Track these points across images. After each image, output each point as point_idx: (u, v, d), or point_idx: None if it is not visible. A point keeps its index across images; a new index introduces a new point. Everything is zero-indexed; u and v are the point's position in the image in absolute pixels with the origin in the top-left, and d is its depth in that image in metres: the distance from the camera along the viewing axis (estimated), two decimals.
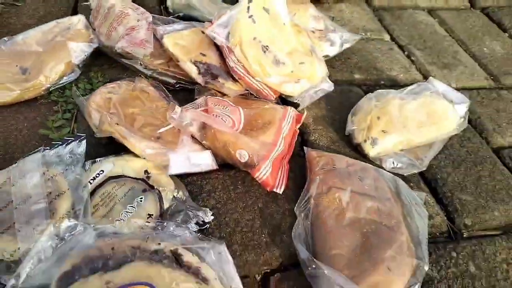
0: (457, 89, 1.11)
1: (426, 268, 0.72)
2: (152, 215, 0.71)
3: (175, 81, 1.02)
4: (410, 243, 0.75)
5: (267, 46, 0.98)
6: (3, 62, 0.93)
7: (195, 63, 0.97)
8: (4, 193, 0.68)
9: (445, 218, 0.89)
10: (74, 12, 1.26)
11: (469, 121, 1.16)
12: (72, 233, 0.63)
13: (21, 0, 1.28)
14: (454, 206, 0.91)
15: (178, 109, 0.83)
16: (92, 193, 0.73)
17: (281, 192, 0.82)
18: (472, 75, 1.37)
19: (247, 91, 0.99)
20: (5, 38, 1.00)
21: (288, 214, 0.81)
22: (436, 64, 1.38)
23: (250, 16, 0.99)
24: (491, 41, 1.59)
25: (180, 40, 1.00)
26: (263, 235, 0.77)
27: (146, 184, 0.75)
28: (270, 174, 0.80)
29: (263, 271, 0.74)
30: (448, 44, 1.51)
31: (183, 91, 1.03)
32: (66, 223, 0.62)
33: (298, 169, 0.90)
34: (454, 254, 0.82)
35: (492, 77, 1.39)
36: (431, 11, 1.72)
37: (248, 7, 1.00)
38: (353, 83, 1.22)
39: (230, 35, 0.96)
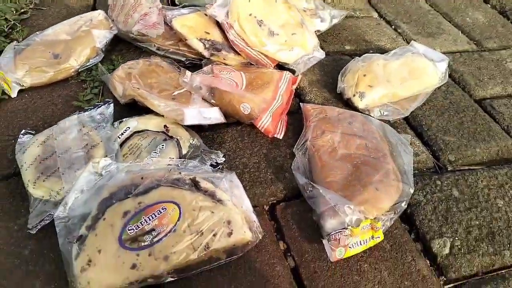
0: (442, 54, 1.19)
1: (411, 190, 0.80)
2: (173, 159, 0.81)
3: (184, 58, 1.13)
4: (397, 171, 0.83)
5: (262, 20, 1.08)
6: (38, 50, 1.05)
7: (200, 40, 1.08)
8: (48, 146, 0.79)
9: (430, 155, 0.97)
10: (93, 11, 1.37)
11: (453, 79, 1.24)
12: (108, 170, 0.73)
13: (46, 5, 1.41)
14: (438, 146, 0.99)
15: (188, 73, 0.93)
16: (121, 145, 0.83)
17: (281, 138, 0.91)
18: (455, 41, 1.45)
19: (248, 62, 1.09)
20: (37, 32, 1.12)
21: (289, 157, 0.90)
22: (421, 33, 1.47)
23: None
24: (473, 12, 1.66)
25: (186, 22, 1.10)
26: (268, 174, 0.86)
27: (166, 135, 0.85)
28: (270, 123, 0.90)
29: (270, 202, 0.83)
30: (432, 17, 1.59)
31: (192, 67, 1.13)
32: (103, 162, 0.73)
33: (296, 123, 0.99)
34: (439, 183, 0.90)
35: (475, 42, 1.46)
36: None
37: None
38: (344, 53, 1.31)
39: (229, 13, 1.06)
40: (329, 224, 0.73)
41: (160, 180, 0.70)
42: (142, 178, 0.71)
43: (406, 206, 0.78)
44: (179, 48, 1.14)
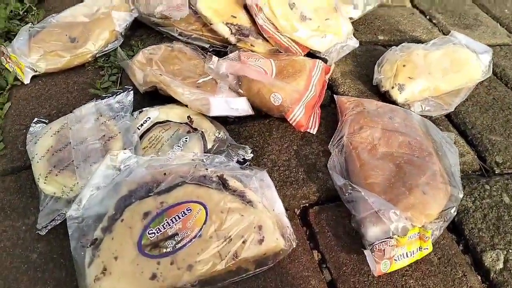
0: None
1: (461, 195, 0.70)
2: (198, 153, 0.72)
3: (209, 45, 1.03)
4: (443, 173, 0.73)
5: (294, 3, 0.98)
6: (53, 32, 0.96)
7: (227, 24, 0.98)
8: (62, 136, 0.71)
9: (476, 156, 0.87)
10: None
11: (494, 73, 1.13)
12: (127, 164, 0.64)
13: None
14: (484, 146, 0.89)
15: (215, 58, 0.84)
16: (141, 137, 0.75)
17: (314, 133, 0.82)
18: (494, 33, 1.33)
19: (277, 49, 0.99)
20: (53, 14, 1.04)
21: (322, 155, 0.81)
22: (458, 25, 1.35)
23: None
24: None
25: (212, 4, 1.00)
26: (299, 173, 0.77)
27: (189, 127, 0.76)
28: (303, 116, 0.80)
29: (302, 205, 0.74)
30: (469, 8, 1.47)
31: (217, 55, 1.03)
32: (122, 155, 0.64)
33: (329, 117, 0.90)
34: (487, 187, 0.80)
35: None
36: None
37: None
38: (377, 43, 1.20)
39: None
40: (372, 232, 0.63)
41: (184, 177, 0.61)
42: (164, 174, 0.62)
43: (455, 212, 0.69)
44: (203, 34, 1.04)
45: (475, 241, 0.71)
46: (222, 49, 1.03)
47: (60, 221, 0.64)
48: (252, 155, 0.75)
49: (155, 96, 0.85)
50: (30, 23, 1.02)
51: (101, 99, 0.79)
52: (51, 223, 0.64)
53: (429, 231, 0.63)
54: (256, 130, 0.84)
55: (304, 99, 0.81)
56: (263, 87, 0.81)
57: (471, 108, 0.98)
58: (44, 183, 0.66)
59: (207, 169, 0.63)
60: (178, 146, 0.72)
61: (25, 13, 1.16)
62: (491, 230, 0.72)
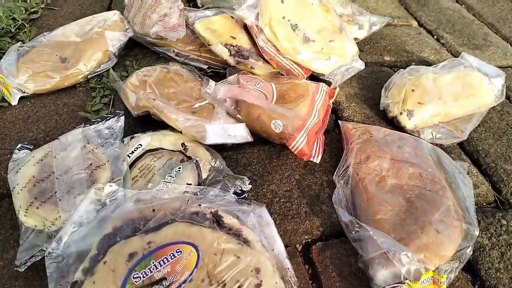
0: None
1: (477, 232, 0.66)
2: (191, 184, 0.68)
3: (207, 66, 1.01)
4: (457, 208, 0.69)
5: (296, 24, 0.95)
6: (44, 52, 0.94)
7: (226, 45, 0.95)
8: (46, 165, 0.67)
9: (491, 188, 0.83)
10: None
11: (507, 97, 1.09)
12: (114, 197, 0.60)
13: (58, 5, 1.31)
14: (499, 176, 0.85)
15: (212, 83, 0.81)
16: (131, 166, 0.71)
17: (318, 162, 0.77)
18: (505, 54, 1.30)
19: (278, 72, 0.96)
20: (45, 33, 1.01)
21: (327, 185, 0.76)
22: (466, 45, 1.32)
23: None
24: None
25: (210, 25, 0.98)
26: (302, 205, 0.73)
27: (183, 155, 0.72)
28: (306, 143, 0.76)
29: (304, 241, 0.70)
30: (478, 27, 1.44)
31: (215, 76, 1.00)
32: (108, 188, 0.60)
33: (334, 143, 0.86)
34: (504, 222, 0.75)
35: None
36: None
37: None
38: (383, 64, 1.17)
39: (259, 15, 0.94)
40: (381, 275, 0.59)
41: (175, 214, 0.57)
42: (153, 210, 0.58)
43: (471, 252, 0.64)
44: (200, 55, 1.01)
45: (492, 282, 0.66)
46: (220, 70, 1.01)
47: (40, 257, 0.60)
48: (250, 186, 0.71)
49: (148, 121, 0.81)
50: (20, 42, 1.00)
51: (89, 125, 0.75)
52: (31, 259, 0.59)
53: (444, 276, 0.59)
54: (255, 157, 0.80)
55: (307, 126, 0.77)
56: (263, 113, 0.78)
57: (484, 134, 0.94)
58: (25, 215, 0.61)
59: (200, 204, 0.59)
60: (170, 176, 0.68)
61: (17, 30, 1.14)
62: (509, 271, 0.67)
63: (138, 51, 1.07)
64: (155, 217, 0.57)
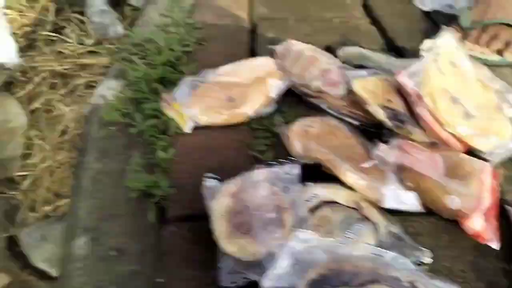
0: None
1: None
2: (375, 247, 0.70)
3: (358, 123, 1.05)
4: None
5: (457, 98, 0.98)
6: (213, 89, 1.03)
7: (382, 107, 1.00)
8: (240, 200, 0.73)
9: None
10: (252, 54, 1.35)
11: None
12: (308, 244, 0.64)
13: (207, 41, 1.43)
14: None
15: (384, 146, 0.85)
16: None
17: (495, 247, 0.77)
18: None
19: (434, 142, 0.99)
20: (209, 70, 1.11)
21: (503, 274, 0.75)
22: None
23: (439, 68, 1.02)
24: None
25: (367, 85, 1.03)
26: None
27: (359, 214, 0.75)
28: (483, 226, 0.76)
29: None
30: None
31: (367, 135, 1.04)
32: (304, 234, 0.64)
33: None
34: None
35: None
36: None
37: (436, 60, 1.02)
38: None
39: (422, 84, 0.98)
40: None
41: (376, 275, 0.60)
42: (352, 265, 0.61)
43: None
44: (352, 111, 1.07)
45: None
46: (372, 129, 1.05)
47: (241, 284, 0.66)
48: (431, 260, 0.72)
49: (311, 168, 0.86)
50: (190, 76, 1.10)
51: (269, 166, 0.81)
52: (232, 284, 0.65)
53: None
54: (423, 228, 0.80)
55: (482, 206, 0.78)
56: (435, 186, 0.79)
57: None
58: (226, 242, 0.67)
59: (398, 270, 0.61)
60: (351, 232, 0.71)
61: (177, 61, 1.26)
62: None
63: (290, 98, 1.13)
64: (360, 274, 0.59)
